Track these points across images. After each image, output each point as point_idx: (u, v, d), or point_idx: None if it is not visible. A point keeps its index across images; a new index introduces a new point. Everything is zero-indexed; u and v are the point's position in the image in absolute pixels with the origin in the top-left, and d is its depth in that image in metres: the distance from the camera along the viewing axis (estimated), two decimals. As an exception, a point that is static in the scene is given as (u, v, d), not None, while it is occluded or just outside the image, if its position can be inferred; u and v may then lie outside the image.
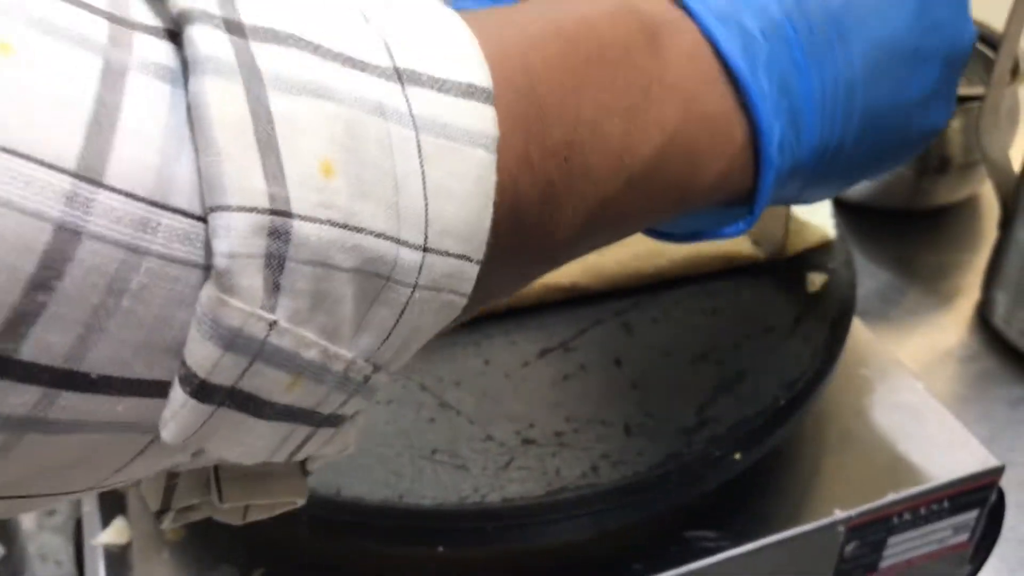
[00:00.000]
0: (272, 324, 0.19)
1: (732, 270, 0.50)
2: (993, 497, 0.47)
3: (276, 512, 0.26)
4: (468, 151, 0.22)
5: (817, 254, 0.50)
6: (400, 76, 0.21)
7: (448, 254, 0.21)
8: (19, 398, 0.18)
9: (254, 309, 0.19)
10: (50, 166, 0.17)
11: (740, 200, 0.31)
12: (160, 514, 0.26)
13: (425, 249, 0.21)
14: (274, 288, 0.19)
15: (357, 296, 0.20)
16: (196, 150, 0.18)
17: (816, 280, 0.48)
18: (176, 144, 0.18)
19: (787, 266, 0.50)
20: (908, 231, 0.75)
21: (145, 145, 0.18)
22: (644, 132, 0.27)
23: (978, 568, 0.50)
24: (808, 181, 0.33)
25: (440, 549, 0.38)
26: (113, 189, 0.17)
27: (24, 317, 0.17)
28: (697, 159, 0.29)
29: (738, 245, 0.50)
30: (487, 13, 0.26)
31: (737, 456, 0.41)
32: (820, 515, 0.43)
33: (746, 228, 0.32)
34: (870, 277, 0.71)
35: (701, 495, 0.41)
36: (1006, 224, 0.64)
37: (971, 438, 0.47)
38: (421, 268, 0.21)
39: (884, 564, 0.46)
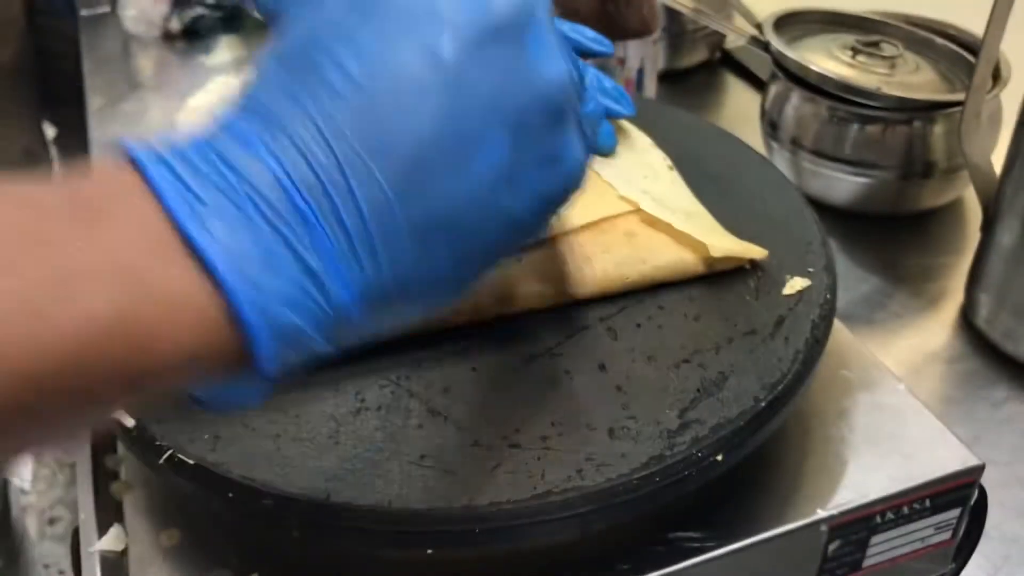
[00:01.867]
0: None
1: (714, 275, 0.50)
2: (975, 495, 0.48)
3: None
4: None
5: (798, 258, 0.51)
6: None
7: None
8: None
9: None
10: None
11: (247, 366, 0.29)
12: None
13: None
14: None
15: None
16: None
17: (797, 283, 0.49)
18: None
19: (768, 271, 0.51)
20: (893, 235, 0.76)
21: None
22: (66, 323, 0.25)
23: (962, 566, 0.50)
24: (374, 314, 0.31)
25: (429, 551, 0.39)
26: None
27: None
28: (151, 339, 0.27)
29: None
30: None
31: (720, 457, 0.41)
32: (803, 515, 0.44)
33: (264, 392, 0.30)
34: (856, 280, 0.72)
35: (685, 496, 0.42)
36: (987, 227, 0.64)
37: (951, 437, 0.48)
38: None
39: (868, 563, 0.47)
